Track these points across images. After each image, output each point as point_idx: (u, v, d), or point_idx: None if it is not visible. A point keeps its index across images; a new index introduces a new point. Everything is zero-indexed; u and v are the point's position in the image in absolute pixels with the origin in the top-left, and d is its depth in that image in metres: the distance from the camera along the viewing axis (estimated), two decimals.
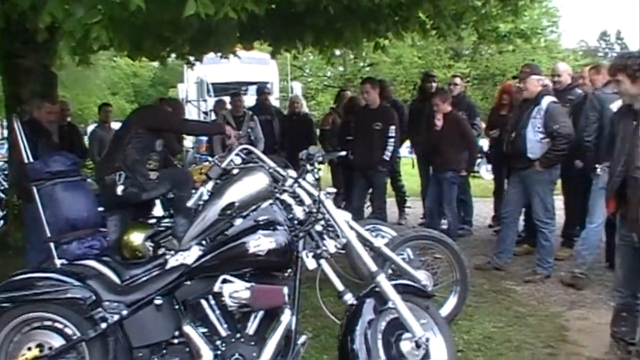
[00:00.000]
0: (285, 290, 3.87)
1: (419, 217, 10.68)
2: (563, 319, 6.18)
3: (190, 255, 4.08)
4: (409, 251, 5.80)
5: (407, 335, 4.10)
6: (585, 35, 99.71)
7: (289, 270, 4.03)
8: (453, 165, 8.46)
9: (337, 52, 20.68)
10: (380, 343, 4.06)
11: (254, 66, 21.45)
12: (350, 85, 28.25)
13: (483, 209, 11.26)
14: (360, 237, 4.85)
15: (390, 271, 5.28)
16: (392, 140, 8.59)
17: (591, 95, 7.19)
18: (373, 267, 4.23)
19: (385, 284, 4.14)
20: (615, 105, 5.40)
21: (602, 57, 51.48)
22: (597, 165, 6.48)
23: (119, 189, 6.05)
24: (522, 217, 8.38)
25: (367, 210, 9.35)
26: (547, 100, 7.22)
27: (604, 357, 5.18)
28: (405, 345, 4.09)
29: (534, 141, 7.22)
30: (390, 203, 10.35)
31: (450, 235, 7.79)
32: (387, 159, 8.68)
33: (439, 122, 8.42)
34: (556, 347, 5.48)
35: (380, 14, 7.56)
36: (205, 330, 3.90)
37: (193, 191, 5.48)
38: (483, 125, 10.76)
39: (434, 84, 10.33)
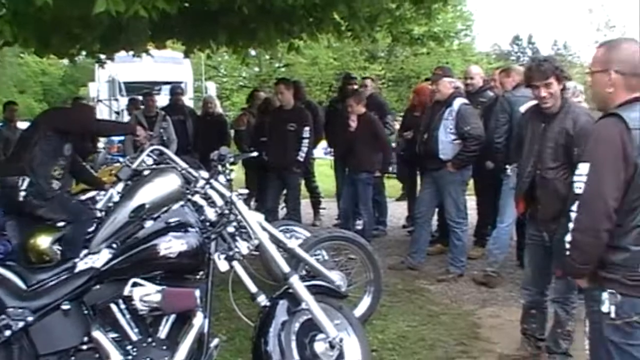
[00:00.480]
0: (197, 293, 3.82)
1: (334, 218, 10.70)
2: (475, 317, 6.29)
3: (100, 259, 3.96)
4: (323, 252, 5.81)
5: (321, 336, 4.10)
6: (499, 39, 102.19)
7: (201, 273, 3.99)
8: (367, 166, 8.52)
9: (252, 53, 20.61)
10: (294, 344, 4.04)
11: (167, 65, 21.17)
12: (265, 85, 28.13)
13: (397, 210, 11.37)
14: (273, 238, 4.82)
15: (304, 272, 5.26)
16: (306, 141, 8.59)
17: (501, 98, 7.34)
18: (286, 268, 4.22)
19: (299, 285, 4.13)
20: (524, 108, 5.51)
21: (514, 61, 52.78)
22: (507, 166, 6.60)
23: (21, 194, 5.84)
24: (435, 217, 8.51)
25: (283, 212, 9.32)
26: (458, 102, 7.34)
27: (515, 354, 5.28)
28: (319, 346, 4.09)
29: (446, 142, 7.32)
30: (306, 204, 10.37)
31: (365, 235, 7.83)
32: (301, 160, 8.68)
33: (352, 124, 8.47)
34: (469, 344, 5.57)
35: (295, 14, 7.53)
36: (115, 335, 3.80)
37: (102, 193, 5.35)
38: (397, 125, 10.87)
39: (355, 86, 10.35)
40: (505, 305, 6.63)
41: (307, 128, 8.60)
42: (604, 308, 2.98)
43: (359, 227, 8.88)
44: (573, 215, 3.01)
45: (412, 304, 6.60)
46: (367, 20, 8.33)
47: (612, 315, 2.97)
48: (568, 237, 3.05)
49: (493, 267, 7.25)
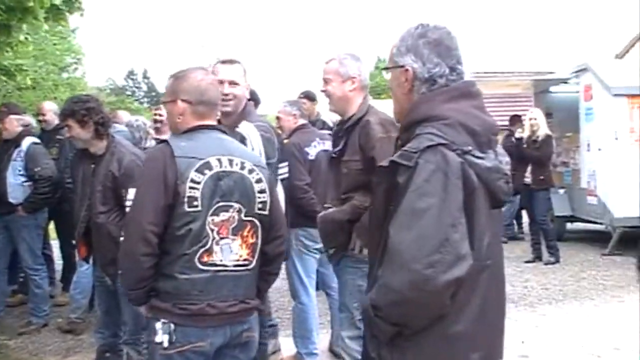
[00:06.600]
0: None
1: None
2: None
3: None
4: None
5: None
6: (113, 73, 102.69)
7: None
8: None
9: None
10: None
11: None
12: None
13: None
14: None
15: None
16: None
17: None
18: None
19: None
20: None
21: (129, 95, 53.35)
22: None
23: None
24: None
25: None
26: (27, 142, 7.09)
27: None
28: None
29: (15, 185, 7.00)
30: None
31: None
32: None
33: None
34: None
35: None
36: None
37: None
38: None
39: None
40: (91, 352, 6.26)
41: None
42: (157, 338, 2.94)
43: None
44: None
45: None
46: None
47: (165, 344, 2.93)
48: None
49: (77, 313, 7.04)
